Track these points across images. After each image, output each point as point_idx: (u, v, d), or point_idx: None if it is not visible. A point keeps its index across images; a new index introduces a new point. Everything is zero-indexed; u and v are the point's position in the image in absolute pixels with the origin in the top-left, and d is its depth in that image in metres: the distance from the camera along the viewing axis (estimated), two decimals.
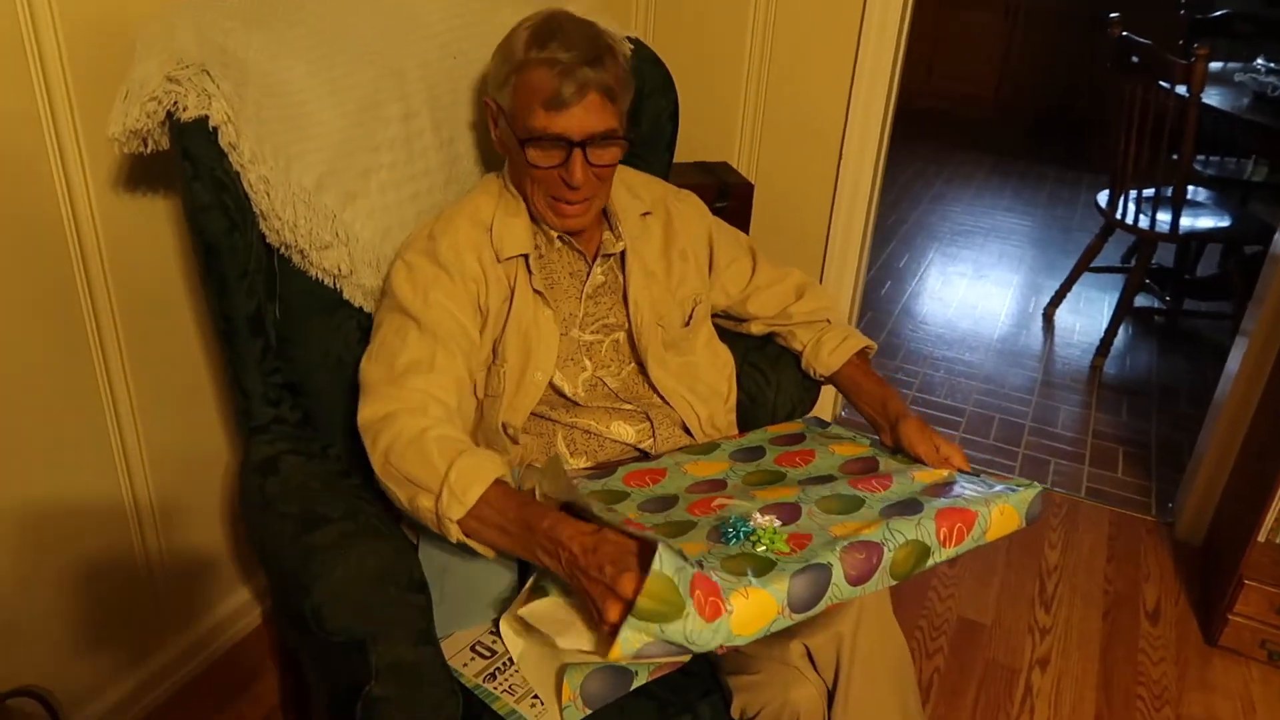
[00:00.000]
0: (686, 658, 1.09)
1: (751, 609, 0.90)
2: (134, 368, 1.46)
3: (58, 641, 1.47)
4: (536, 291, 1.28)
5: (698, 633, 0.87)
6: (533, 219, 1.30)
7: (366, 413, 1.15)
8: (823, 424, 1.42)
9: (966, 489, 1.14)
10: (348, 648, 1.07)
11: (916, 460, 1.25)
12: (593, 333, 1.34)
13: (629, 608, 0.88)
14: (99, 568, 1.50)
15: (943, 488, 1.14)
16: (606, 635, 0.90)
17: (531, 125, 1.18)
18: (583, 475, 1.26)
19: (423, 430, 1.10)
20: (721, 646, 0.90)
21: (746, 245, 1.53)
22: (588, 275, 1.34)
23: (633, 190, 1.41)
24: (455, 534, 1.06)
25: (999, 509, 1.10)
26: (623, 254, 1.35)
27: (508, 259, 1.27)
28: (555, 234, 1.30)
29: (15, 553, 1.37)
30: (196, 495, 1.65)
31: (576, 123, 1.17)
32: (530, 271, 1.28)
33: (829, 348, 1.46)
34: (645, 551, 0.92)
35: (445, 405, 1.16)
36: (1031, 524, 1.14)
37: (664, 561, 0.85)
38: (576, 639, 0.99)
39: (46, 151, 1.27)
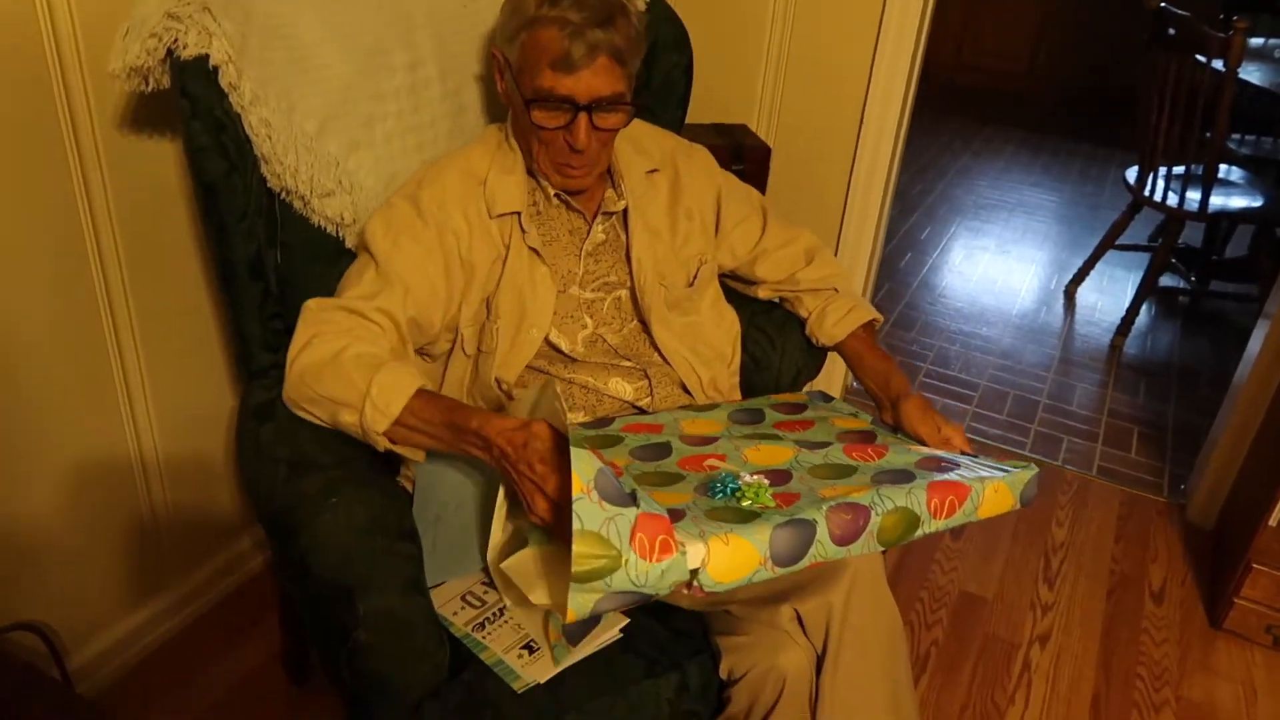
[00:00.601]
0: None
1: (733, 556, 0.89)
2: (140, 317, 1.47)
3: (63, 582, 1.49)
4: (531, 249, 1.27)
5: (645, 575, 0.86)
6: (530, 174, 1.28)
7: (293, 344, 1.15)
8: (827, 398, 1.41)
9: (962, 465, 1.12)
10: (336, 594, 1.08)
11: (917, 440, 1.24)
12: (593, 290, 1.33)
13: (555, 506, 0.94)
14: (105, 513, 1.52)
15: (938, 461, 1.13)
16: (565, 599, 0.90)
17: (538, 85, 1.16)
18: (579, 426, 1.25)
19: (338, 351, 1.11)
20: (691, 586, 0.89)
21: (758, 204, 1.51)
22: (587, 233, 1.32)
23: (639, 146, 1.38)
24: (382, 444, 1.09)
25: (993, 487, 1.08)
26: (625, 212, 1.33)
27: (500, 215, 1.26)
28: (553, 191, 1.28)
29: (24, 496, 1.38)
30: (201, 445, 1.66)
31: (584, 85, 1.15)
32: (524, 230, 1.26)
33: (834, 318, 1.44)
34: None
35: (369, 329, 1.16)
36: (1026, 505, 1.12)
37: (584, 520, 0.84)
38: (544, 595, 1.00)
39: (52, 91, 1.26)
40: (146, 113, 1.37)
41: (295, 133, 1.21)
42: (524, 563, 1.06)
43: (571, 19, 1.12)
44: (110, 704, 1.55)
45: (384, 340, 1.16)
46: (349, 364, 1.09)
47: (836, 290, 1.47)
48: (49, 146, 1.28)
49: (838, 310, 1.44)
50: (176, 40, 1.09)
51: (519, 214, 1.26)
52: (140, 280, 1.45)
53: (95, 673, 1.56)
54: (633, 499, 0.89)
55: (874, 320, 1.45)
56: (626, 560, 0.85)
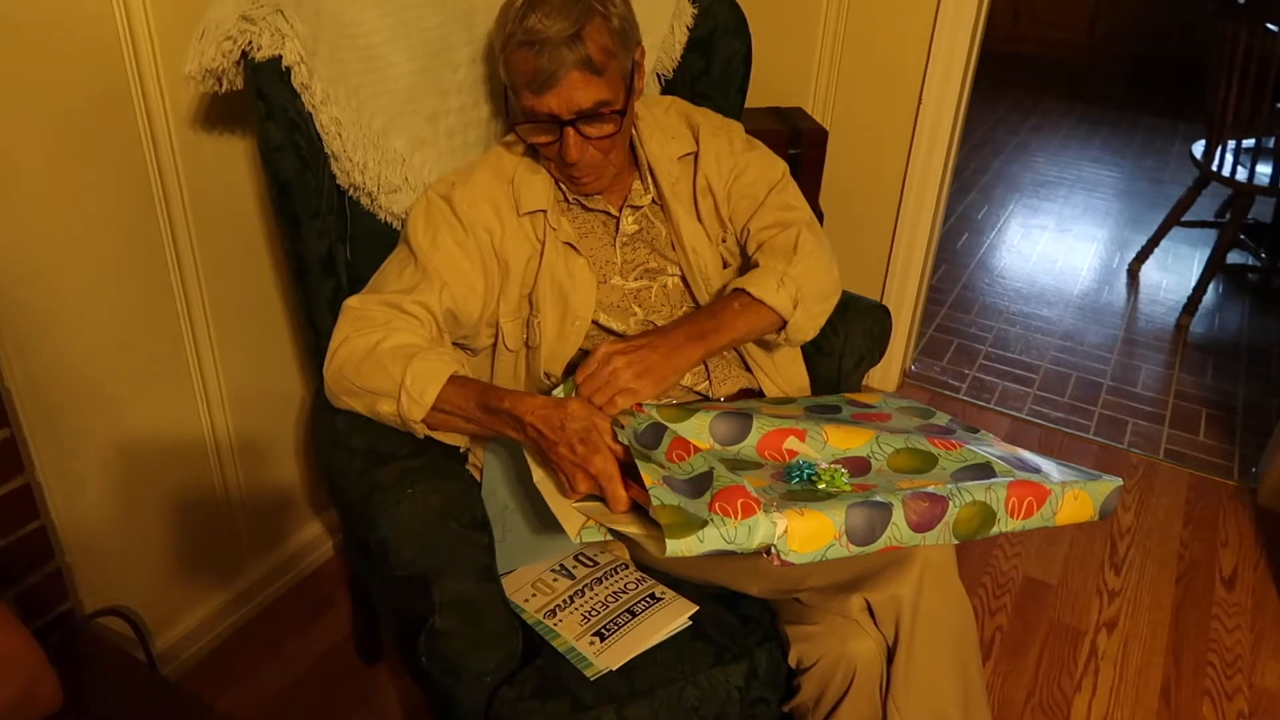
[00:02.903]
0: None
1: (809, 526, 0.91)
2: (214, 309, 1.51)
3: (146, 568, 1.54)
4: (567, 243, 1.28)
5: (734, 532, 0.89)
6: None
7: (332, 340, 1.18)
8: (900, 399, 1.39)
9: (1044, 467, 1.11)
10: (412, 581, 1.11)
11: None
12: (636, 279, 1.34)
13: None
14: (183, 501, 1.57)
15: (1021, 461, 1.11)
16: (658, 535, 0.92)
17: (523, 105, 1.18)
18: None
19: (375, 344, 1.13)
20: (770, 552, 0.91)
21: (771, 181, 1.37)
22: (617, 226, 1.33)
23: (672, 131, 1.36)
24: (421, 431, 1.12)
25: (1073, 493, 1.06)
26: (665, 202, 1.33)
27: (527, 213, 1.27)
28: (573, 197, 1.30)
29: (108, 486, 1.43)
30: (273, 432, 1.70)
31: (561, 102, 1.15)
32: (553, 227, 1.27)
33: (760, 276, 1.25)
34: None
35: (406, 321, 1.17)
36: (1104, 518, 1.11)
37: (663, 499, 0.91)
38: (627, 525, 1.01)
39: (130, 93, 1.29)
40: (219, 112, 1.41)
41: (364, 130, 1.23)
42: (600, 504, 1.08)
43: (537, 38, 1.12)
44: (193, 685, 1.61)
45: (421, 330, 1.18)
46: (385, 355, 1.12)
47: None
48: (128, 146, 1.31)
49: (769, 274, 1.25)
50: (251, 42, 1.11)
51: (545, 211, 1.27)
52: (212, 272, 1.48)
53: (178, 655, 1.62)
54: (707, 479, 0.92)
55: (772, 308, 1.24)
56: (711, 518, 0.89)
